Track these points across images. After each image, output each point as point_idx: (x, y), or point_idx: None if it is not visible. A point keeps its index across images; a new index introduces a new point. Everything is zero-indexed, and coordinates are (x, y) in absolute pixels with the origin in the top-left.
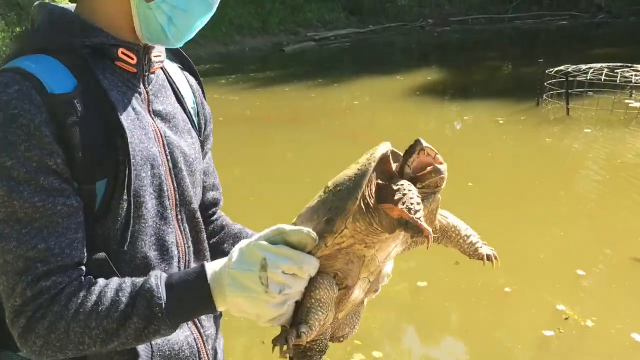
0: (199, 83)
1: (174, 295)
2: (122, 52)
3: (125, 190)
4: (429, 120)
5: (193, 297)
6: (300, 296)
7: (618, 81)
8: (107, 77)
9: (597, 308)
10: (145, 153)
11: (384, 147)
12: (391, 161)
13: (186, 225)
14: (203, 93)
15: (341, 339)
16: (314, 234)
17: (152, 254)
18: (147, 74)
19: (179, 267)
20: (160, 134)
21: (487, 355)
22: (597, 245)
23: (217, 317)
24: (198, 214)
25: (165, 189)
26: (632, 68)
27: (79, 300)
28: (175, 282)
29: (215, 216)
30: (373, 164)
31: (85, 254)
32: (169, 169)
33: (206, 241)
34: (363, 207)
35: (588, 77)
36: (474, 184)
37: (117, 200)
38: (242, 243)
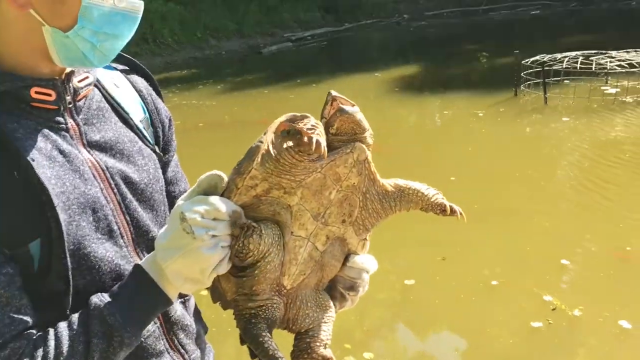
0: (152, 83)
1: (120, 300)
2: (36, 92)
3: (61, 247)
4: (409, 115)
5: (139, 291)
6: (230, 239)
7: (594, 68)
8: (22, 125)
9: (583, 297)
10: (82, 199)
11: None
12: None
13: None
14: (159, 92)
15: (312, 346)
16: (219, 172)
17: None
18: (71, 105)
19: None
20: (101, 168)
21: (478, 349)
22: (580, 235)
23: (200, 337)
24: None
25: (115, 228)
26: (607, 55)
27: (42, 354)
28: (117, 288)
29: None
30: (283, 117)
31: (35, 317)
32: (118, 204)
33: None
34: (270, 148)
35: (564, 66)
36: (457, 178)
37: (56, 260)
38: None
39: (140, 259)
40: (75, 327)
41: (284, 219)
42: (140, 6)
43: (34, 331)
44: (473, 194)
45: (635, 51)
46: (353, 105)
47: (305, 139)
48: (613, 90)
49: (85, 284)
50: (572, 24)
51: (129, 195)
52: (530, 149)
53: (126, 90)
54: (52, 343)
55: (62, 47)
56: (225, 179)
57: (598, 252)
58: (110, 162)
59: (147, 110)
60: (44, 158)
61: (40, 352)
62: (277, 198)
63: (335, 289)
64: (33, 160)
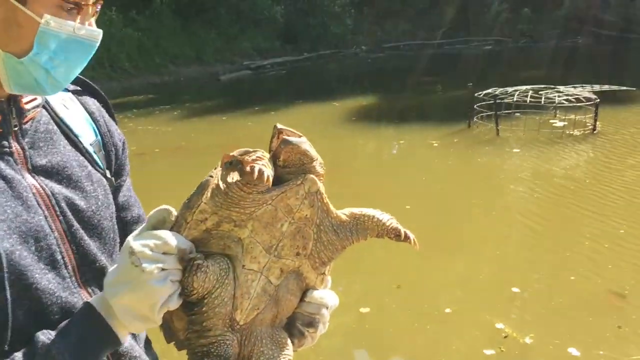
0: (106, 105)
1: (69, 339)
2: None
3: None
4: (366, 144)
5: (88, 330)
6: (180, 274)
7: (543, 102)
8: None
9: (534, 325)
10: (24, 227)
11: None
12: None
13: (95, 287)
14: (112, 115)
15: None
16: (167, 206)
17: None
18: (17, 128)
19: None
20: (46, 194)
21: None
22: (529, 263)
23: None
24: (108, 268)
25: (59, 258)
26: (555, 89)
27: None
28: (65, 326)
29: None
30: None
31: None
32: (63, 232)
33: None
34: (219, 182)
35: (515, 99)
36: (412, 206)
37: None
38: None
39: (86, 291)
40: None
41: (234, 252)
42: (99, 35)
43: None
44: (427, 223)
45: (582, 86)
46: (300, 137)
47: (248, 168)
48: (561, 124)
49: (26, 317)
50: (522, 59)
51: (75, 223)
52: (482, 179)
53: (76, 112)
54: None
55: (14, 73)
56: (174, 213)
57: (547, 280)
58: (57, 188)
59: (99, 132)
60: None
61: None
62: (227, 231)
63: (294, 326)
64: None
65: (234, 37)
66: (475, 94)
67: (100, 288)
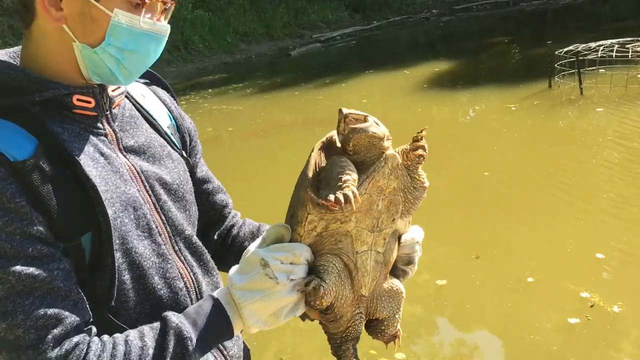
0: (171, 94)
1: (197, 328)
2: (78, 99)
3: (109, 242)
4: (440, 112)
5: (214, 324)
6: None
7: (630, 56)
8: (66, 129)
9: (622, 293)
10: (124, 197)
11: (325, 137)
12: (336, 140)
13: (186, 254)
14: (177, 102)
15: (385, 331)
16: (284, 225)
17: (159, 294)
18: (108, 112)
19: (190, 297)
20: (137, 170)
21: (515, 347)
22: (615, 229)
23: (237, 337)
24: (195, 238)
25: (154, 226)
26: None
27: (109, 354)
28: (194, 315)
29: (234, 219)
30: (314, 153)
31: (90, 312)
32: (154, 205)
33: (212, 261)
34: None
35: (599, 55)
36: (490, 173)
37: (105, 252)
38: (235, 268)
39: (178, 257)
40: (148, 340)
41: (345, 245)
42: (167, 29)
43: (94, 328)
44: (507, 189)
45: None
46: (366, 119)
47: (335, 208)
48: None
49: (126, 279)
50: (605, 11)
51: (164, 196)
52: (565, 143)
53: (152, 100)
54: (121, 349)
55: (90, 62)
56: (289, 230)
57: (633, 246)
58: (145, 165)
59: (173, 117)
60: (88, 159)
61: (108, 352)
62: (335, 229)
63: (397, 269)
64: (80, 160)
65: (302, 11)
66: (556, 52)
67: (192, 254)
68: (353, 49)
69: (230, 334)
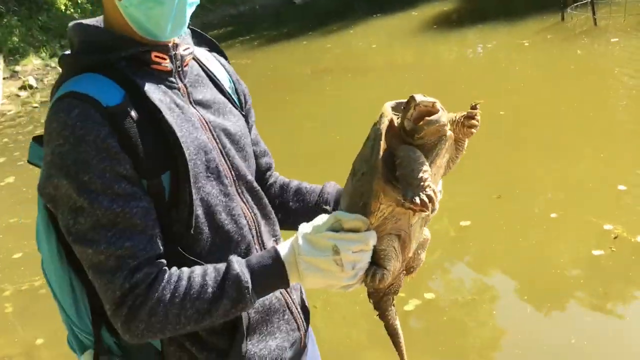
0: (227, 60)
1: (256, 279)
2: (155, 56)
3: (186, 179)
4: (451, 52)
5: (273, 279)
6: (368, 265)
7: None
8: (147, 82)
9: None
10: (196, 143)
11: (385, 119)
12: (395, 123)
13: (248, 197)
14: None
15: (412, 270)
16: (364, 219)
17: (226, 228)
18: (180, 69)
19: (251, 234)
20: (205, 121)
21: (541, 280)
22: (635, 159)
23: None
24: (255, 184)
25: (221, 169)
26: None
27: (172, 287)
28: (256, 267)
29: (272, 179)
30: (378, 145)
31: (162, 247)
32: (220, 151)
33: (269, 205)
34: (388, 181)
35: None
36: (506, 112)
37: (182, 189)
38: (306, 229)
39: (241, 199)
40: (208, 279)
41: (404, 221)
42: None
43: (164, 261)
44: (524, 127)
45: None
46: (434, 106)
47: (423, 210)
48: None
49: (199, 214)
50: None
51: (228, 144)
52: (581, 76)
53: (214, 64)
54: (184, 283)
55: (129, 17)
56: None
57: None
58: (211, 117)
59: (232, 80)
60: (166, 108)
61: (171, 285)
62: (399, 211)
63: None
64: (160, 108)
65: None
66: None
67: (253, 198)
68: None
69: (286, 287)
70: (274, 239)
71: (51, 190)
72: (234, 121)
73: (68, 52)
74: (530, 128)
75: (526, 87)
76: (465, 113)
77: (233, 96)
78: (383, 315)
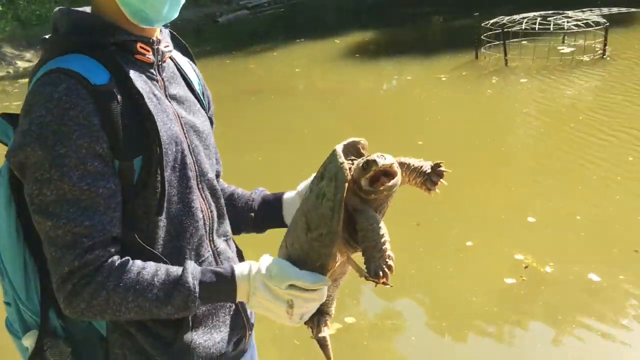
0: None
1: (205, 294)
2: (140, 47)
3: (158, 166)
4: (371, 81)
5: (222, 298)
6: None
7: (552, 28)
8: (131, 69)
9: (553, 254)
10: (169, 133)
11: (345, 184)
12: (348, 174)
13: (207, 194)
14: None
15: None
16: (325, 282)
17: (182, 219)
18: (160, 63)
19: (205, 229)
20: (178, 115)
21: (456, 305)
22: (542, 194)
23: None
24: (215, 182)
25: (187, 162)
26: (564, 15)
27: (119, 276)
28: (209, 283)
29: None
30: (340, 210)
31: (121, 231)
32: (188, 145)
33: (225, 206)
34: (347, 243)
35: (523, 27)
36: (424, 142)
37: (152, 175)
38: (264, 271)
39: (200, 194)
40: (157, 280)
41: (346, 268)
42: None
43: (119, 247)
44: (440, 158)
45: (591, 10)
46: (392, 167)
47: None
48: (569, 50)
49: (160, 199)
50: None
51: (195, 141)
52: (492, 113)
53: (187, 65)
54: (132, 276)
55: (123, 1)
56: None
57: (560, 211)
58: (183, 113)
59: (201, 84)
60: (147, 96)
61: (118, 273)
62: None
63: None
64: (143, 97)
65: None
66: (482, 24)
67: (211, 196)
68: (282, 16)
69: (230, 301)
70: (224, 238)
71: (22, 158)
72: (202, 120)
73: (49, 35)
74: (447, 159)
75: (443, 120)
76: (429, 168)
77: (202, 98)
78: (317, 335)
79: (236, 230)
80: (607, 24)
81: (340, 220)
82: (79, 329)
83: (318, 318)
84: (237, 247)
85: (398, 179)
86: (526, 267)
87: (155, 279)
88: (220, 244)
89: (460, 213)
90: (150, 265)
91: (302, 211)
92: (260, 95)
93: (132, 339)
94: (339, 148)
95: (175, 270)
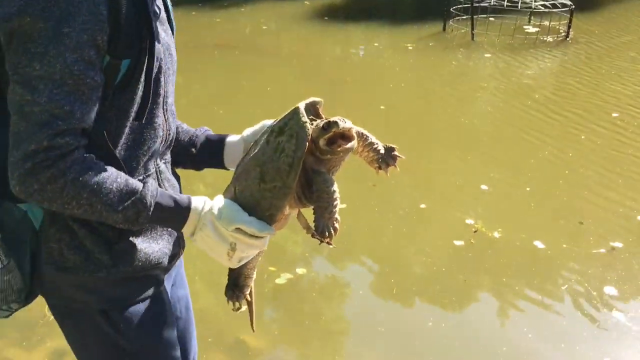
0: None
1: (157, 213)
2: None
3: (145, 74)
4: (336, 45)
5: (170, 224)
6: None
7: (519, 7)
8: None
9: (502, 221)
10: (158, 46)
11: (306, 142)
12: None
13: (168, 115)
14: None
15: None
16: (272, 232)
17: (145, 131)
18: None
19: (159, 148)
20: (166, 42)
21: (406, 264)
22: (496, 164)
23: (178, 189)
24: (174, 108)
25: (161, 80)
26: None
27: (81, 170)
28: (164, 205)
29: None
30: (297, 167)
31: (92, 124)
32: (163, 65)
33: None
34: (298, 199)
35: (492, 3)
36: (386, 107)
37: (134, 80)
38: (216, 211)
39: (163, 114)
40: (115, 189)
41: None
42: None
43: (87, 140)
44: (400, 124)
45: None
46: (350, 131)
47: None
48: (534, 30)
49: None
50: None
51: (169, 64)
52: (454, 84)
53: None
54: (92, 174)
55: None
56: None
57: (511, 180)
58: (163, 34)
59: (171, 9)
60: (150, 1)
61: (81, 167)
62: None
63: None
64: (148, 3)
65: None
66: None
67: (170, 117)
68: None
69: (177, 230)
70: (164, 161)
71: (14, 25)
72: (174, 47)
73: None
74: (406, 125)
75: (406, 87)
76: (383, 149)
77: (173, 24)
78: (241, 290)
79: (175, 164)
80: (573, 6)
81: (297, 176)
82: (13, 219)
83: (237, 293)
84: (175, 173)
85: (354, 143)
86: (475, 231)
87: (114, 185)
88: (162, 165)
89: (416, 177)
90: (112, 170)
91: (256, 162)
92: (224, 50)
93: (72, 234)
94: (302, 106)
95: (135, 183)
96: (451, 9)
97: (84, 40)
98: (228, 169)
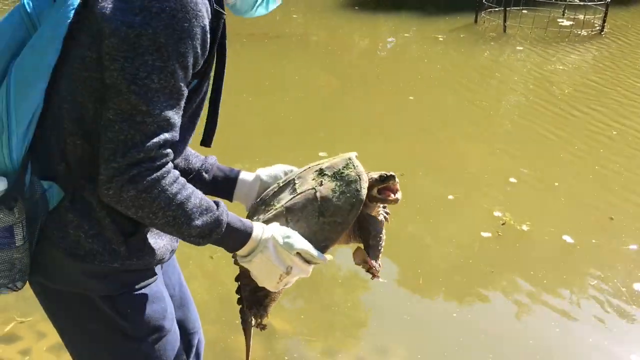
0: None
1: (225, 232)
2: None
3: (201, 97)
4: (367, 35)
5: (232, 242)
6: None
7: (554, 0)
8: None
9: (531, 214)
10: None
11: (365, 190)
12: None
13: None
14: None
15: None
16: (324, 260)
17: (181, 143)
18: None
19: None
20: None
21: (429, 256)
22: (526, 157)
23: None
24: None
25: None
26: None
27: (171, 181)
28: (233, 226)
29: None
30: (358, 210)
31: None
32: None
33: None
34: (349, 231)
35: None
36: (415, 98)
37: (194, 100)
38: (278, 236)
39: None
40: (199, 203)
41: None
42: None
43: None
44: (430, 115)
45: None
46: (399, 191)
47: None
48: (568, 23)
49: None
50: None
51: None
52: (485, 77)
53: None
54: (185, 192)
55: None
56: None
57: (541, 174)
58: None
59: None
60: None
61: (178, 181)
62: None
63: None
64: (225, 36)
65: None
66: None
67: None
68: None
69: (230, 251)
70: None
71: (133, 34)
72: None
73: None
74: (436, 116)
75: (435, 79)
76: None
77: None
78: (265, 310)
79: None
80: (609, 0)
81: (356, 216)
82: (34, 197)
83: (260, 312)
84: None
85: (400, 195)
86: (503, 223)
87: (197, 201)
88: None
89: (444, 168)
90: (197, 192)
91: (310, 198)
92: (254, 39)
93: (92, 222)
94: (354, 156)
95: (209, 200)
96: (483, 1)
97: (192, 62)
98: (231, 202)
